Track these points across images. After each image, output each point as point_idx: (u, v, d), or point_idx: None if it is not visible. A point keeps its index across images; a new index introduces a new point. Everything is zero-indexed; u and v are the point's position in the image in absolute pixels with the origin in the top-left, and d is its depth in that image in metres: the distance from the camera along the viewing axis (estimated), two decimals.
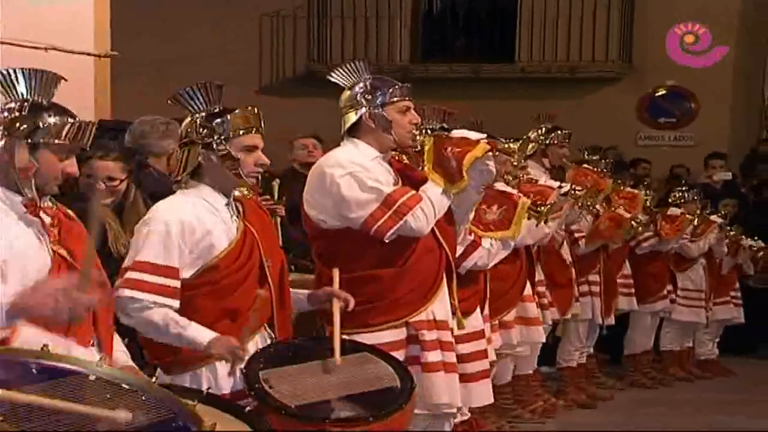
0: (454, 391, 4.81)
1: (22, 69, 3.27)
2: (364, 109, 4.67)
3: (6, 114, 3.21)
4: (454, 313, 4.92)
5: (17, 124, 3.19)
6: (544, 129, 7.55)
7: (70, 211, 3.43)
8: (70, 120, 3.24)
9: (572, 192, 6.76)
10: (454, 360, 4.83)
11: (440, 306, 4.77)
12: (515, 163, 5.34)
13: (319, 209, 4.63)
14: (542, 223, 6.21)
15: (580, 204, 7.03)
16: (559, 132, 7.63)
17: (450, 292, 4.87)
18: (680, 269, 9.34)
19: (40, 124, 3.19)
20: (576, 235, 7.84)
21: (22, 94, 3.23)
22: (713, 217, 9.44)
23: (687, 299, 9.37)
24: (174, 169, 4.03)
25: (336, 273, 4.26)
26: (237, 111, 3.94)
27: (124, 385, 2.82)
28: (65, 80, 3.33)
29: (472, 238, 5.47)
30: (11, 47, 6.45)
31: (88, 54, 7.23)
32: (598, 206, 7.58)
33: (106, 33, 7.52)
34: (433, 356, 4.67)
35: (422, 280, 4.70)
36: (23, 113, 3.20)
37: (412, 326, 4.68)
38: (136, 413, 2.71)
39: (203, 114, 3.93)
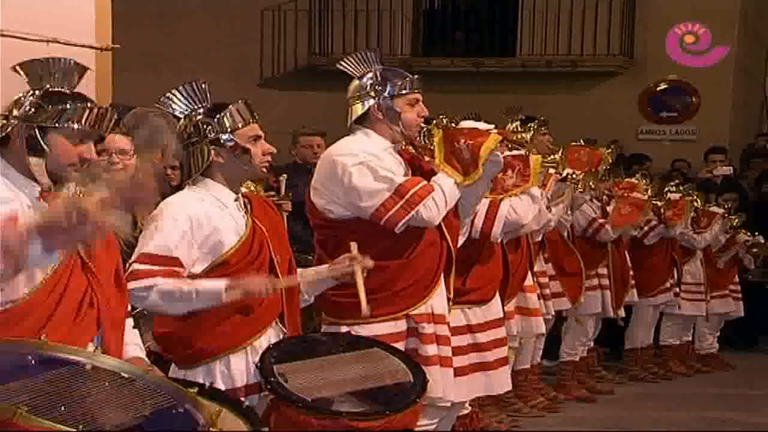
0: (448, 385, 4.78)
1: (47, 58, 3.28)
2: (372, 100, 4.63)
3: (24, 101, 3.22)
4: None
5: (29, 108, 3.20)
6: (518, 121, 7.54)
7: None
8: (86, 105, 3.24)
9: (571, 177, 6.76)
10: (449, 354, 4.81)
11: (438, 300, 4.76)
12: (525, 153, 5.37)
13: (328, 198, 4.58)
14: (547, 187, 6.22)
15: (582, 187, 7.03)
16: (535, 120, 7.61)
17: (447, 285, 4.87)
18: (681, 262, 9.34)
19: (51, 108, 3.19)
20: (600, 221, 7.88)
21: (45, 83, 3.24)
22: (714, 208, 9.46)
23: (687, 293, 9.37)
24: (185, 171, 4.01)
25: (354, 246, 4.19)
26: (230, 106, 3.94)
27: (123, 374, 2.82)
28: (91, 70, 3.34)
29: (488, 201, 5.47)
30: (12, 40, 6.44)
31: (90, 47, 7.22)
32: (605, 188, 7.63)
33: (107, 26, 7.50)
34: (431, 350, 4.65)
35: (424, 272, 4.68)
36: (38, 99, 3.21)
37: (413, 319, 4.66)
38: (136, 402, 2.72)
39: (201, 111, 3.93)
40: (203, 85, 4.00)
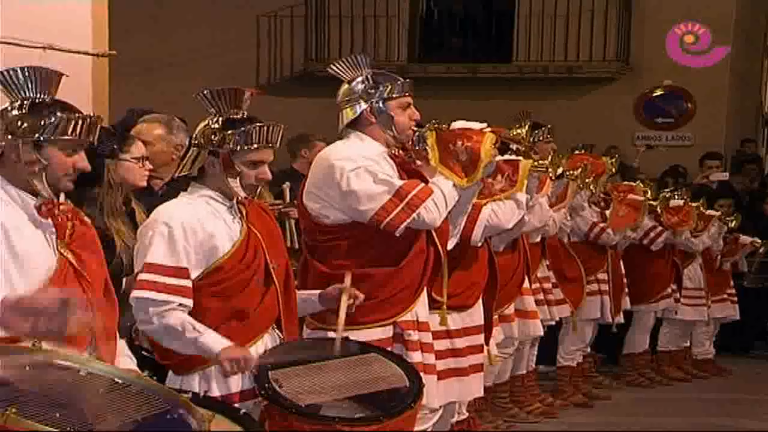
0: (431, 392, 4.70)
1: (22, 68, 3.25)
2: (364, 104, 4.60)
3: (9, 114, 3.20)
4: (438, 309, 4.90)
5: (19, 123, 3.18)
6: (526, 127, 7.55)
7: (86, 218, 3.43)
8: (75, 116, 3.23)
9: (568, 175, 6.75)
10: (433, 361, 4.77)
11: (422, 307, 4.74)
12: (522, 149, 5.33)
13: (323, 203, 4.55)
14: (549, 184, 6.20)
15: (580, 185, 7.01)
16: (542, 128, 7.62)
17: (437, 288, 4.83)
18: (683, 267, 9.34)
19: (43, 122, 3.18)
20: (601, 225, 7.89)
21: (24, 93, 3.22)
22: (710, 212, 9.48)
23: (689, 298, 9.36)
24: (180, 166, 4.00)
25: (348, 275, 4.20)
26: (255, 124, 3.87)
27: (116, 380, 2.82)
28: (66, 76, 3.33)
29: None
30: (9, 47, 6.44)
31: (86, 53, 7.22)
32: (600, 192, 7.64)
33: (104, 32, 7.51)
34: (416, 357, 4.60)
35: (411, 280, 4.64)
36: (24, 112, 3.19)
37: (398, 326, 4.63)
38: (129, 407, 2.72)
39: (220, 119, 3.87)
40: (245, 96, 3.93)
